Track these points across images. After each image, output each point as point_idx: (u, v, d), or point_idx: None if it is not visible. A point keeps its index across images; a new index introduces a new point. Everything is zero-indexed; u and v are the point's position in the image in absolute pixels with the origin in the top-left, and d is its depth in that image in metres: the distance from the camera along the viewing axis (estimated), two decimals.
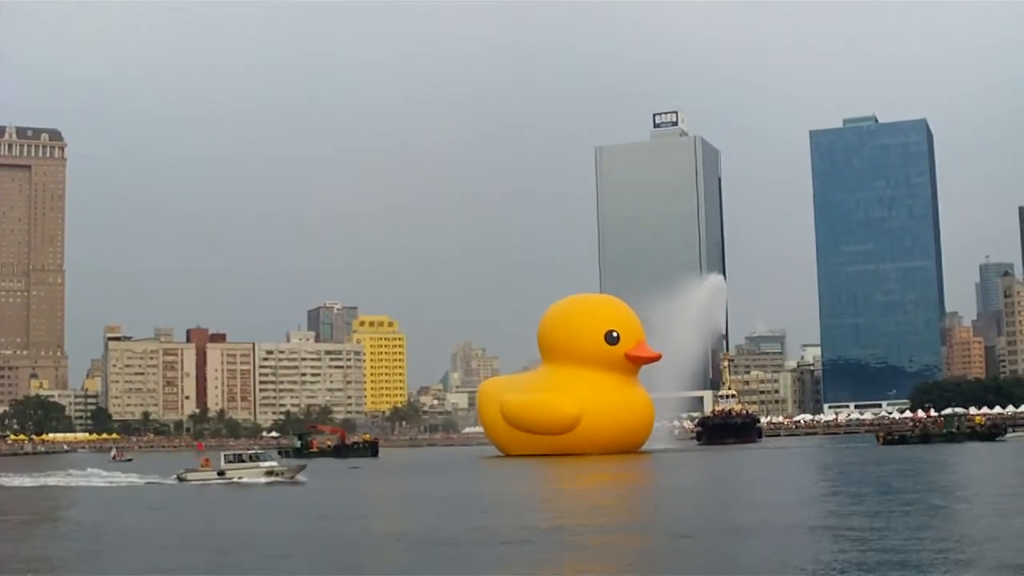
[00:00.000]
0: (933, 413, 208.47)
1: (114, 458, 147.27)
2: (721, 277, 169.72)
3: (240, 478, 69.75)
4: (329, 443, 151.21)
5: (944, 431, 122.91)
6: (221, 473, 71.46)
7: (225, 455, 75.97)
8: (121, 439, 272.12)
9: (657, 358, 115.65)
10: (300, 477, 71.06)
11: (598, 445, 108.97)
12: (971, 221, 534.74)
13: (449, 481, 75.93)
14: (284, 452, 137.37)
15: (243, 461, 72.84)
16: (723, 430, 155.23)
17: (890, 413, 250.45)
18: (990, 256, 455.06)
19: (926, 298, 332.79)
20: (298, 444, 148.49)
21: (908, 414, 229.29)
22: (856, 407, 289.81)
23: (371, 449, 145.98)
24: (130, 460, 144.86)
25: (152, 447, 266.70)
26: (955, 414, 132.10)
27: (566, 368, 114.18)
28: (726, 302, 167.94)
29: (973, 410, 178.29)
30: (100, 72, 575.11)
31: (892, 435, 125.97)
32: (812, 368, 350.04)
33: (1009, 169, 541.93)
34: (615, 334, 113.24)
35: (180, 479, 73.38)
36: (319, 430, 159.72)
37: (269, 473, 70.24)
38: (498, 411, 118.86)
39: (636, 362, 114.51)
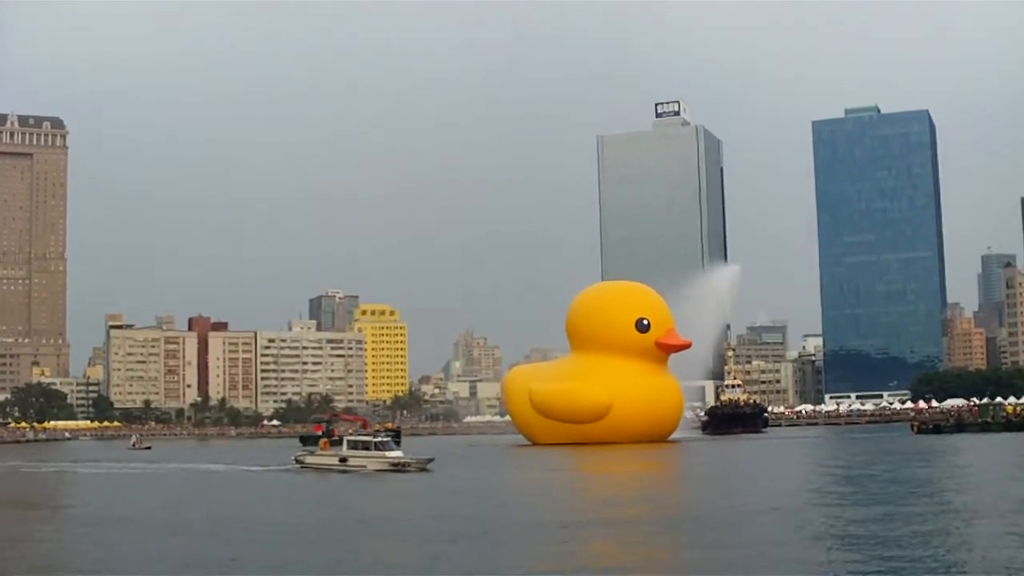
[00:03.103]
0: (935, 404, 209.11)
1: (134, 446, 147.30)
2: (737, 267, 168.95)
3: (363, 467, 67.44)
4: (351, 432, 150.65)
5: (979, 420, 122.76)
6: (343, 460, 69.77)
7: (348, 440, 74.17)
8: (124, 427, 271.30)
9: (687, 346, 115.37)
10: (429, 468, 68.55)
11: (628, 434, 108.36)
12: (973, 212, 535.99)
13: (527, 472, 74.76)
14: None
15: (367, 448, 70.57)
16: (730, 420, 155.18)
17: (891, 404, 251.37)
18: (992, 247, 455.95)
19: (928, 289, 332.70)
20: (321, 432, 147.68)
21: (909, 405, 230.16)
22: (857, 397, 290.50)
23: (394, 439, 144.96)
24: (149, 448, 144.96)
25: (153, 435, 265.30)
26: (990, 403, 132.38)
27: (596, 356, 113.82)
28: (738, 292, 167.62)
29: (1012, 399, 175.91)
30: (102, 60, 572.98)
31: (927, 424, 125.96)
32: (813, 358, 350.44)
33: (1011, 160, 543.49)
34: (645, 322, 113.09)
35: (298, 461, 72.22)
36: (341, 418, 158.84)
37: (396, 465, 67.59)
38: (526, 399, 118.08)
39: (666, 350, 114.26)
